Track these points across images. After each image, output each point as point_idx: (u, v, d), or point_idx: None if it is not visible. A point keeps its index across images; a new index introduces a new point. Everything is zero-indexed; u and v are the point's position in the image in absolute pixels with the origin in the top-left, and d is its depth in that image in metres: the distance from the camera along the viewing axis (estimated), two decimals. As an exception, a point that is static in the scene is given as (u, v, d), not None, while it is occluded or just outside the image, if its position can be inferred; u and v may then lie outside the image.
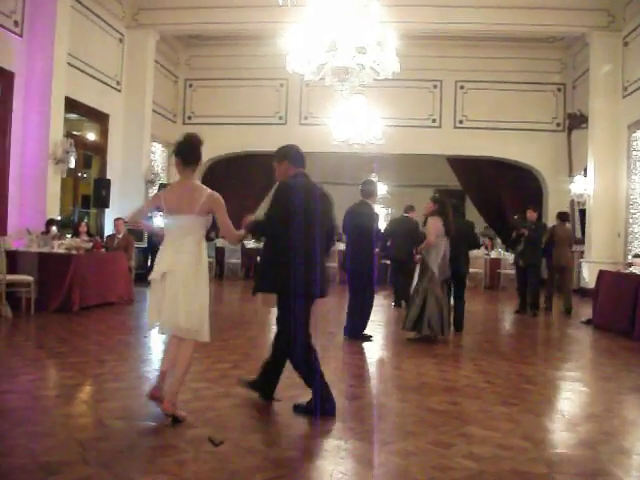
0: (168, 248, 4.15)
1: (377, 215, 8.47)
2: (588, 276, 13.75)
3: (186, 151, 4.20)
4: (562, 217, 11.79)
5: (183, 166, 4.20)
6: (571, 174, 16.08)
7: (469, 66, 16.72)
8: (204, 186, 4.21)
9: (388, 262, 12.70)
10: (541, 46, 16.57)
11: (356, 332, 7.76)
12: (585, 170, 14.73)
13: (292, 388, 5.01)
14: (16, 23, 10.78)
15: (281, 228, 4.32)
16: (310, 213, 4.34)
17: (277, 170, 4.62)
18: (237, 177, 18.39)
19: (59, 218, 11.32)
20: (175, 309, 4.04)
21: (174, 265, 4.08)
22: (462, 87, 17.17)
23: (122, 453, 3.55)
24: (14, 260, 9.03)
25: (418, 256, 8.03)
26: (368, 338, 7.73)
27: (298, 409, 4.46)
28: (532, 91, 16.81)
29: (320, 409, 4.34)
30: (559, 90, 17.05)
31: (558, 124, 16.96)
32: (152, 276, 4.16)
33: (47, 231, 10.29)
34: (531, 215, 11.04)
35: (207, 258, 4.27)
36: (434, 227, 7.69)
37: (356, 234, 7.81)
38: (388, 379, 5.96)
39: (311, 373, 4.40)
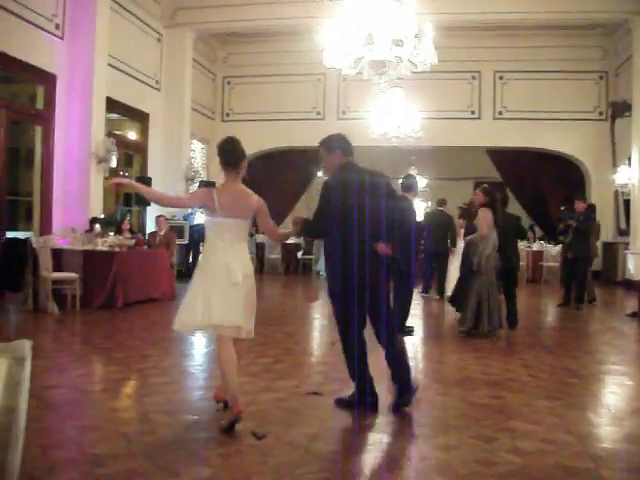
0: (228, 250, 4.04)
1: (414, 211, 8.38)
2: (633, 268, 13.45)
3: (223, 154, 4.19)
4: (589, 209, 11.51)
5: (224, 168, 4.18)
6: (615, 164, 15.72)
7: (508, 56, 16.42)
8: (250, 190, 4.23)
9: (422, 256, 12.61)
10: (581, 33, 16.14)
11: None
12: (629, 160, 14.39)
13: (334, 382, 5.03)
14: (57, 26, 10.98)
15: (323, 229, 4.43)
16: (348, 209, 4.21)
17: (326, 160, 4.55)
18: (276, 173, 18.47)
19: (102, 216, 11.54)
20: (241, 310, 4.03)
21: (248, 268, 4.13)
22: (501, 77, 16.90)
23: (166, 446, 3.62)
24: (59, 258, 9.26)
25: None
26: (410, 332, 7.69)
27: (340, 403, 4.46)
28: (573, 80, 16.40)
29: (362, 403, 4.34)
30: (601, 78, 16.62)
31: (600, 113, 16.54)
32: (234, 279, 3.98)
33: (91, 229, 10.49)
34: (579, 206, 10.78)
35: None
36: (485, 219, 7.52)
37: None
38: (429, 373, 5.92)
39: (355, 365, 4.37)
